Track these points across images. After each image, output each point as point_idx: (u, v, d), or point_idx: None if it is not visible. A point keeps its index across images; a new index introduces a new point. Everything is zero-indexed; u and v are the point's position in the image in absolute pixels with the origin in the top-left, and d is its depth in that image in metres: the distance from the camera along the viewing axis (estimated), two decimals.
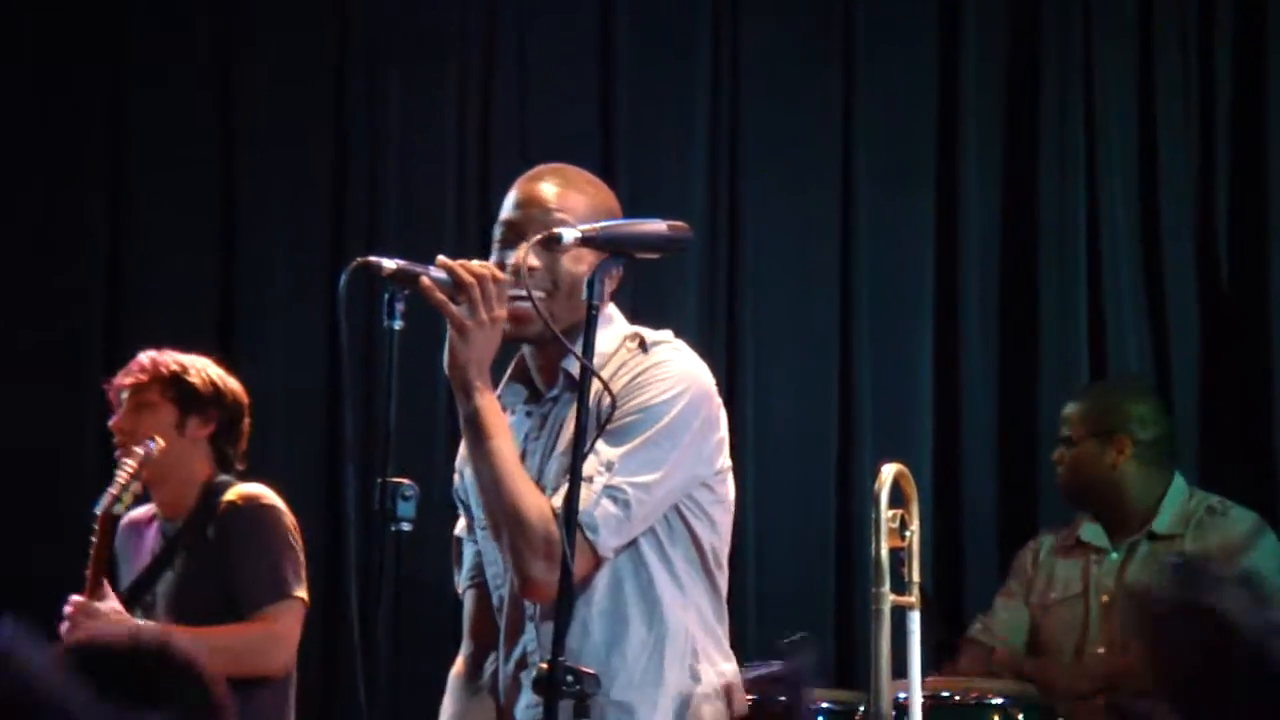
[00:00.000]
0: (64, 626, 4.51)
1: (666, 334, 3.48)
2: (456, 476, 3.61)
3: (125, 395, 4.75)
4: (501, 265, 3.39)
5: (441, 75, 6.23)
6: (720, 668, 3.45)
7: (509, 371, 3.49)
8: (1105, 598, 5.33)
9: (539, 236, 3.29)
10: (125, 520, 4.81)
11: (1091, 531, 5.42)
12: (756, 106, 6.17)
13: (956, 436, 6.03)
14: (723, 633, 3.50)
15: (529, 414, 3.47)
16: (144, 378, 4.72)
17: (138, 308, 6.11)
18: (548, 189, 3.46)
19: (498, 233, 3.47)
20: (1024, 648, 5.42)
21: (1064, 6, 6.06)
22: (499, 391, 3.43)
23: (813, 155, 6.16)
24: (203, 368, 4.78)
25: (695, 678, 3.42)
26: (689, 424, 3.37)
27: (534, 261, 3.35)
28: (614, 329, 3.45)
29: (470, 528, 3.56)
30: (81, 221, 6.24)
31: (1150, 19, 6.02)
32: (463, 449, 3.55)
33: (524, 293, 3.28)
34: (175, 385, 4.72)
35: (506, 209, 3.48)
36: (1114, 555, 5.36)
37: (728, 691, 3.45)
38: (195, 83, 6.26)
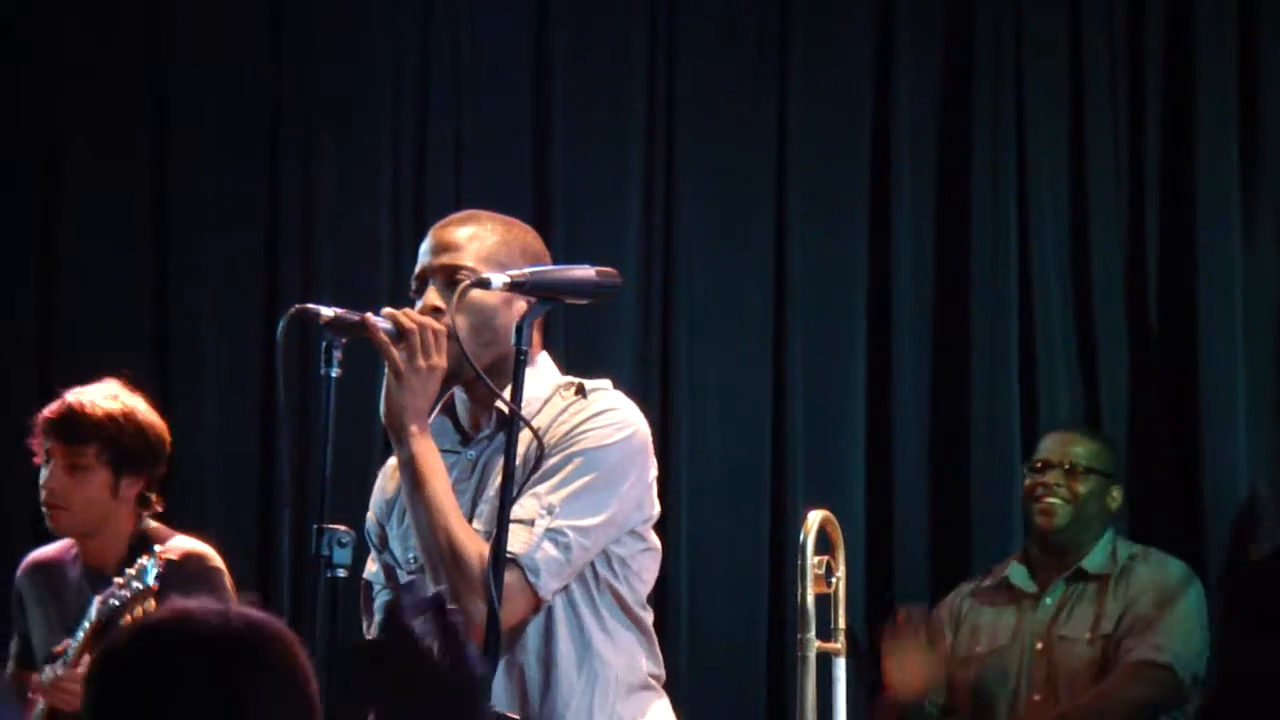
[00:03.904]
0: (44, 694, 4.48)
1: (605, 382, 3.50)
2: (370, 515, 3.60)
3: (50, 448, 4.63)
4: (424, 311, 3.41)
5: (376, 129, 6.23)
6: (652, 714, 3.48)
7: (438, 407, 3.49)
8: (1040, 645, 5.34)
9: (469, 281, 3.31)
10: (34, 559, 4.79)
11: (1018, 574, 5.44)
12: (690, 150, 6.18)
13: (889, 480, 6.05)
14: (657, 672, 3.52)
15: (459, 454, 3.48)
16: (79, 438, 4.60)
17: (71, 352, 6.08)
18: (457, 234, 3.47)
19: (414, 282, 3.48)
20: (941, 702, 5.41)
21: (996, 47, 6.11)
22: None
23: (746, 199, 6.18)
24: (133, 415, 4.64)
25: None
26: (629, 471, 3.40)
27: (438, 302, 3.38)
28: (545, 375, 3.47)
29: (390, 577, 3.55)
30: (12, 265, 6.22)
31: (1081, 61, 6.08)
32: (378, 486, 3.57)
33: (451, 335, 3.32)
34: (111, 448, 4.60)
35: (420, 257, 3.50)
36: (1048, 601, 5.38)
37: None
38: (130, 120, 6.25)
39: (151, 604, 4.36)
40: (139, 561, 4.39)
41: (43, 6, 6.26)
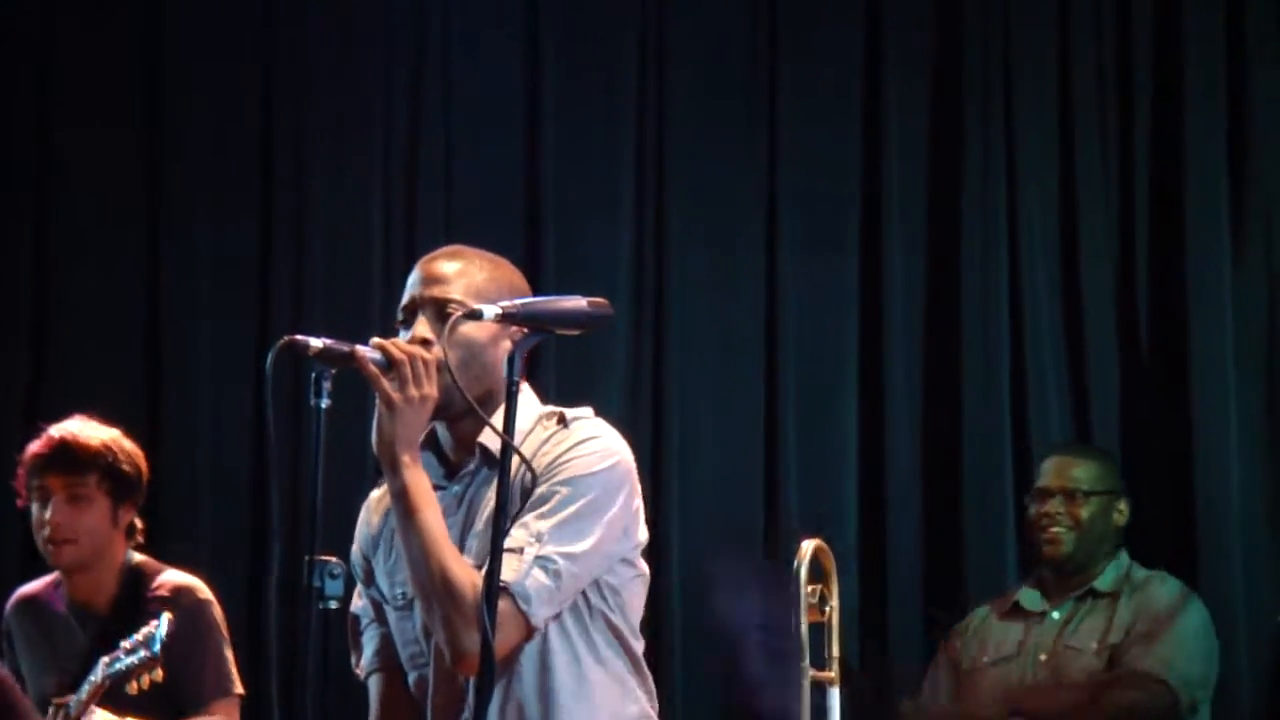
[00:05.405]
0: None
1: (586, 411, 3.50)
2: (355, 549, 3.59)
3: (46, 483, 4.62)
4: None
5: (367, 151, 6.25)
6: None
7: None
8: (1044, 656, 5.35)
9: (461, 313, 3.30)
10: (22, 595, 4.78)
11: (1030, 598, 5.45)
12: (681, 176, 6.20)
13: (882, 505, 6.04)
14: (652, 701, 3.51)
15: (444, 489, 3.47)
16: (79, 467, 4.60)
17: (63, 386, 6.08)
18: (447, 267, 3.46)
19: (401, 313, 3.47)
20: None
21: (986, 69, 6.12)
22: None
23: (737, 224, 6.19)
24: (121, 443, 4.67)
25: None
26: (614, 498, 3.40)
27: (428, 334, 3.38)
28: (527, 407, 3.46)
29: (379, 612, 3.55)
30: (4, 296, 6.22)
31: (1070, 83, 6.09)
32: (362, 520, 3.56)
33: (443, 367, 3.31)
34: (110, 476, 4.61)
35: (408, 288, 3.49)
36: (1055, 615, 5.39)
37: None
38: (120, 149, 6.27)
39: (159, 673, 4.34)
40: (145, 629, 4.37)
41: (41, 6, 6.28)
